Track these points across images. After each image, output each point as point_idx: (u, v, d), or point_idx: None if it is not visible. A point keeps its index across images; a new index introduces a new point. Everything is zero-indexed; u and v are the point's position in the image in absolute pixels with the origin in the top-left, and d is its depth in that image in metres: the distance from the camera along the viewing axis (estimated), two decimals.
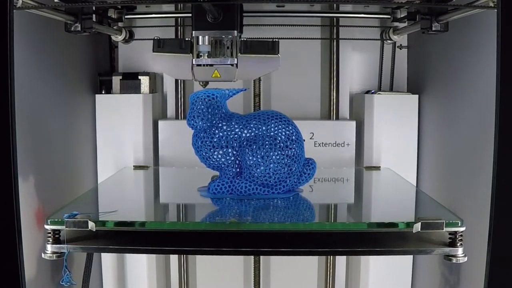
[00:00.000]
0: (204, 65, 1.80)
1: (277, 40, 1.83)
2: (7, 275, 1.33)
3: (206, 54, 1.79)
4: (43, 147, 1.92)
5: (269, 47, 1.82)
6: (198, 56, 1.79)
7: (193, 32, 1.78)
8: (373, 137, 2.36)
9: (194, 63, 1.80)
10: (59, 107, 2.10)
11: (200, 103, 1.74)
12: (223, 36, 1.78)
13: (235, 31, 1.77)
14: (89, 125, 2.37)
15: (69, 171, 2.18)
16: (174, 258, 2.56)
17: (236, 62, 1.80)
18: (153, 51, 1.84)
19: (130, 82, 2.42)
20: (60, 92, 2.11)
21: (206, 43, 1.78)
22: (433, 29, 1.86)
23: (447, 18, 1.80)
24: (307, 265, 2.57)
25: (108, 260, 2.41)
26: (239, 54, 1.80)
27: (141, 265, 2.41)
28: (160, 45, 1.83)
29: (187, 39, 1.82)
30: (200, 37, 1.78)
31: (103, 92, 2.46)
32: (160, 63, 1.86)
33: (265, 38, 1.90)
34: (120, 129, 2.37)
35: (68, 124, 2.18)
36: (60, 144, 2.09)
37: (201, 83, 1.91)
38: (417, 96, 2.38)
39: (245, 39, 1.83)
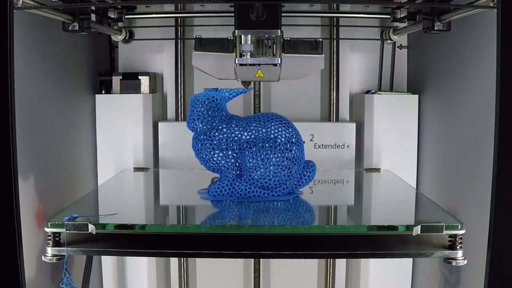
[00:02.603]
0: (247, 64, 1.78)
1: (320, 39, 1.82)
2: (7, 275, 1.33)
3: (249, 54, 1.77)
4: (43, 147, 1.92)
5: (313, 46, 1.81)
6: (241, 55, 1.77)
7: (236, 31, 1.76)
8: (373, 139, 2.36)
9: (237, 62, 1.78)
10: (59, 107, 2.09)
11: (200, 105, 1.74)
12: (266, 35, 1.76)
13: (279, 30, 1.75)
14: (89, 125, 2.37)
15: (69, 171, 2.18)
16: (174, 261, 2.56)
17: (279, 62, 1.78)
18: (195, 50, 1.81)
19: (130, 82, 2.42)
20: (60, 92, 2.11)
21: (249, 42, 1.76)
22: (436, 28, 1.85)
23: (449, 17, 1.80)
24: (307, 268, 2.58)
25: (108, 262, 2.41)
26: (282, 53, 1.78)
27: (141, 267, 2.41)
28: (202, 44, 1.81)
29: (229, 38, 1.80)
30: (243, 36, 1.76)
31: (103, 92, 2.46)
32: (202, 62, 1.83)
33: (308, 38, 1.87)
34: (120, 130, 2.37)
35: (68, 124, 2.18)
36: (60, 144, 2.09)
37: (243, 83, 1.90)
38: (417, 96, 2.37)
39: (288, 38, 1.81)
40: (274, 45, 1.77)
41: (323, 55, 1.82)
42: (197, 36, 1.83)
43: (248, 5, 1.71)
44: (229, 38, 1.80)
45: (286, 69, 1.80)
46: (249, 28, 1.75)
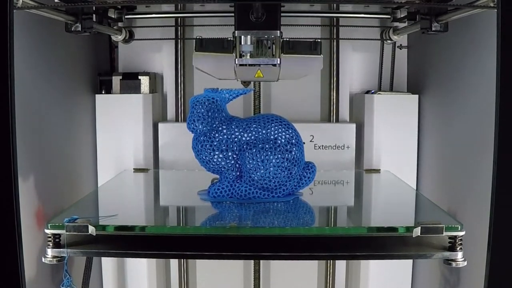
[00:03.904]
0: (247, 64, 1.79)
1: (319, 40, 1.83)
2: (7, 275, 1.34)
3: (249, 54, 1.78)
4: (43, 147, 1.92)
5: (312, 47, 1.82)
6: (241, 56, 1.79)
7: (236, 32, 1.77)
8: (373, 139, 2.36)
9: (237, 63, 1.79)
10: (59, 107, 2.09)
11: (200, 106, 1.74)
12: (266, 36, 1.77)
13: (278, 31, 1.77)
14: (89, 125, 2.37)
15: (69, 171, 2.18)
16: (174, 262, 2.56)
17: (279, 62, 1.79)
18: (195, 51, 1.83)
19: (130, 82, 2.42)
20: (60, 92, 2.11)
21: (249, 43, 1.77)
22: (433, 29, 1.86)
23: (447, 18, 1.80)
24: (307, 269, 2.58)
25: (108, 263, 2.41)
26: (281, 54, 1.79)
27: (141, 268, 2.41)
28: (202, 45, 1.83)
29: (229, 38, 1.81)
30: (243, 36, 1.77)
31: (103, 92, 2.46)
32: (202, 62, 1.85)
33: (308, 38, 1.88)
34: (120, 130, 2.37)
35: (68, 124, 2.18)
36: (60, 144, 2.09)
37: (243, 83, 1.91)
38: (417, 96, 2.37)
39: (287, 39, 1.82)
40: (274, 46, 1.78)
41: (321, 55, 1.83)
42: (198, 37, 1.83)
43: (247, 5, 1.72)
44: (229, 38, 1.81)
45: (285, 69, 1.81)
46: (248, 29, 1.76)
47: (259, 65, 1.80)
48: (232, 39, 1.80)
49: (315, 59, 1.83)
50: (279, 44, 1.79)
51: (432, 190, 2.24)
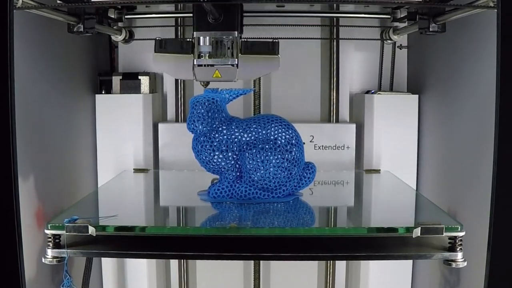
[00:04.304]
0: (205, 65, 1.80)
1: (277, 40, 1.83)
2: (7, 275, 1.34)
3: (207, 55, 1.79)
4: (43, 147, 1.92)
5: (269, 47, 1.82)
6: (199, 56, 1.79)
7: (194, 33, 1.78)
8: (373, 140, 2.36)
9: (195, 63, 1.80)
10: (59, 107, 2.09)
11: (200, 107, 1.74)
12: (224, 37, 1.78)
13: (236, 32, 1.77)
14: (89, 125, 2.37)
15: (69, 171, 2.18)
16: (174, 263, 2.56)
17: (236, 63, 1.80)
18: (155, 51, 1.84)
19: (130, 82, 2.42)
20: (60, 92, 2.11)
21: (207, 44, 1.78)
22: (431, 29, 1.86)
23: (447, 18, 1.80)
24: (307, 270, 2.58)
25: (108, 263, 2.41)
26: (239, 54, 1.80)
27: (141, 269, 2.41)
28: (162, 46, 1.83)
29: (188, 39, 1.82)
30: (201, 37, 1.78)
31: (103, 92, 2.45)
32: (161, 63, 1.86)
33: (265, 38, 1.90)
34: (120, 130, 2.37)
35: (68, 124, 2.18)
36: (60, 144, 2.09)
37: (202, 83, 1.92)
38: (417, 96, 2.37)
39: (245, 39, 1.83)
40: (232, 46, 1.79)
41: (279, 55, 1.82)
42: (157, 38, 1.85)
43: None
44: (188, 39, 1.82)
45: (243, 69, 1.81)
46: (207, 30, 1.77)
47: (216, 65, 1.80)
48: (191, 39, 1.80)
49: (273, 59, 1.83)
50: (238, 45, 1.79)
51: (432, 190, 2.24)
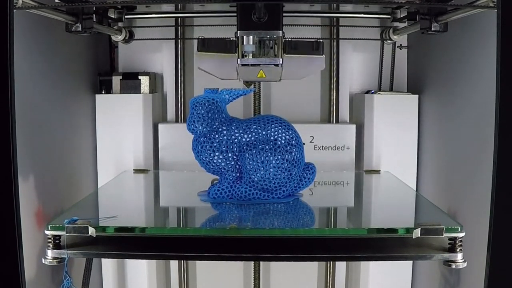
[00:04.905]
0: (249, 65, 1.80)
1: (321, 40, 1.83)
2: (7, 275, 1.34)
3: (251, 54, 1.79)
4: (43, 147, 1.92)
5: (314, 47, 1.82)
6: (243, 56, 1.79)
7: (238, 32, 1.78)
8: (373, 140, 2.36)
9: (239, 63, 1.80)
10: (59, 107, 2.09)
11: (200, 107, 1.74)
12: (268, 36, 1.78)
13: (280, 31, 1.77)
14: (89, 125, 2.37)
15: (69, 171, 2.18)
16: (174, 263, 2.56)
17: (281, 62, 1.79)
18: (198, 51, 1.83)
19: (130, 82, 2.42)
20: (60, 92, 2.11)
21: (251, 43, 1.78)
22: (433, 29, 1.86)
23: (447, 18, 1.80)
24: (307, 270, 2.58)
25: (108, 264, 2.41)
26: (284, 54, 1.80)
27: (141, 269, 2.41)
28: (204, 45, 1.83)
29: (231, 38, 1.81)
30: (245, 37, 1.78)
31: (103, 92, 2.45)
32: (204, 62, 1.85)
33: (309, 38, 1.88)
34: (120, 130, 2.37)
35: (68, 124, 2.18)
36: (60, 144, 2.09)
37: (245, 83, 1.91)
38: (417, 96, 2.37)
39: (289, 39, 1.83)
40: (276, 46, 1.79)
41: (324, 55, 1.83)
42: (200, 37, 1.83)
43: (250, 6, 1.72)
44: (231, 39, 1.81)
45: (287, 69, 1.82)
46: (251, 29, 1.76)
47: (261, 65, 1.80)
48: (234, 39, 1.80)
49: (317, 59, 1.83)
50: (281, 44, 1.79)
51: (432, 190, 2.24)
